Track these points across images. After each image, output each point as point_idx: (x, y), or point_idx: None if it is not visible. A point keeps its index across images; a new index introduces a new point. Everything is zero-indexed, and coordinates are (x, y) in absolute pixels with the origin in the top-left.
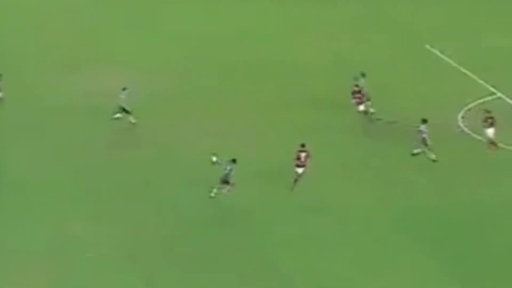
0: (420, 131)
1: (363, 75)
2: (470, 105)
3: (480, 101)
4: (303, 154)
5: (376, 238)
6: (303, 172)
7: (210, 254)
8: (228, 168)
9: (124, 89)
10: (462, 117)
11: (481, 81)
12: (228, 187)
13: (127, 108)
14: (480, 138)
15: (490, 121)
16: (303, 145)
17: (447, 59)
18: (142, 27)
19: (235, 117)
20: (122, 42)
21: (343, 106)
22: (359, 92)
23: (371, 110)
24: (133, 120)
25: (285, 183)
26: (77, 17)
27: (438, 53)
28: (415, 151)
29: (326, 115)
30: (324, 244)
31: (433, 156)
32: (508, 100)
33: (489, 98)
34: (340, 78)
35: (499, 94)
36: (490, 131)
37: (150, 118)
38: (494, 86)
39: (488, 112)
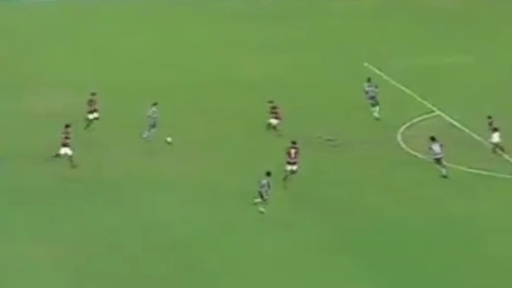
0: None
1: (369, 80)
2: (409, 123)
3: (419, 118)
4: (293, 151)
5: (319, 257)
6: (296, 169)
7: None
8: (263, 182)
9: (155, 104)
10: (402, 134)
11: (420, 99)
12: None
13: (155, 125)
14: (418, 154)
15: (493, 126)
16: (294, 142)
17: (386, 76)
18: (81, 47)
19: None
20: (58, 62)
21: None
22: (275, 108)
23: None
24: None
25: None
26: (13, 38)
27: (377, 71)
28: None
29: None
30: (270, 264)
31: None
32: (447, 118)
33: (428, 115)
34: (274, 94)
35: (438, 112)
36: (495, 136)
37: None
38: (433, 104)
39: (490, 117)
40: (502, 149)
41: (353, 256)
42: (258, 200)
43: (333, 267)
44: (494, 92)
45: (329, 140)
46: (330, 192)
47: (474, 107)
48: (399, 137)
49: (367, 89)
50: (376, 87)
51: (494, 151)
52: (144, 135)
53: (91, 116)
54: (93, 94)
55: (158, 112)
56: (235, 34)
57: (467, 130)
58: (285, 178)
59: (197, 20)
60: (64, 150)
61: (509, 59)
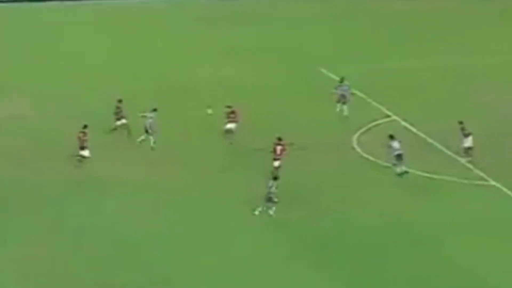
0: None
1: (342, 80)
2: (365, 128)
3: (375, 123)
4: (279, 147)
5: (271, 262)
6: (279, 165)
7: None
8: (269, 184)
9: (154, 110)
10: (357, 139)
11: (375, 104)
12: (272, 206)
13: (150, 131)
14: (374, 159)
15: (466, 131)
16: (279, 139)
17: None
18: (42, 53)
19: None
20: (24, 69)
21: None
22: (233, 112)
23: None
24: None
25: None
26: None
27: (333, 76)
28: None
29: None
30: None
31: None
32: (402, 122)
33: (384, 120)
34: (230, 99)
35: (393, 117)
36: (467, 140)
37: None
38: (388, 109)
39: (461, 123)
40: (470, 155)
41: (310, 259)
42: (268, 204)
43: (287, 273)
44: (450, 96)
45: (291, 144)
46: (286, 194)
47: (429, 111)
48: (354, 142)
49: (337, 89)
50: (349, 87)
51: (466, 155)
52: (139, 139)
53: (118, 123)
54: (119, 101)
55: (155, 117)
56: (194, 39)
57: (422, 135)
58: (272, 173)
59: (158, 25)
60: (85, 152)
61: (465, 63)
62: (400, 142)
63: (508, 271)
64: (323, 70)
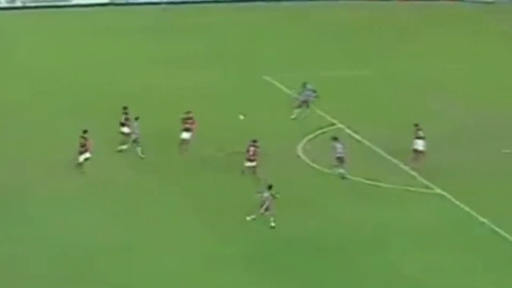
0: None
1: (304, 84)
2: (310, 136)
3: (320, 131)
4: (252, 149)
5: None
6: (255, 166)
7: None
8: (265, 195)
9: (136, 118)
10: (302, 147)
11: (320, 112)
12: (262, 211)
13: (138, 140)
14: (319, 167)
15: (419, 134)
16: (254, 141)
17: (286, 90)
18: None
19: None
20: None
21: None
22: (190, 118)
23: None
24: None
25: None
26: None
27: (278, 84)
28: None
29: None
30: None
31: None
32: (347, 130)
33: (329, 128)
34: (174, 108)
35: (338, 125)
36: (420, 143)
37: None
38: (333, 117)
39: (416, 125)
40: (419, 159)
41: (257, 266)
42: (263, 212)
43: (237, 280)
44: (396, 104)
45: (231, 153)
46: (233, 202)
47: (374, 119)
48: (299, 150)
49: (300, 95)
50: (314, 91)
51: (415, 160)
52: (124, 147)
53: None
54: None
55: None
56: (137, 48)
57: (367, 142)
58: (242, 172)
59: (100, 35)
60: (83, 156)
61: (412, 71)
62: (343, 145)
63: (452, 280)
64: (267, 78)
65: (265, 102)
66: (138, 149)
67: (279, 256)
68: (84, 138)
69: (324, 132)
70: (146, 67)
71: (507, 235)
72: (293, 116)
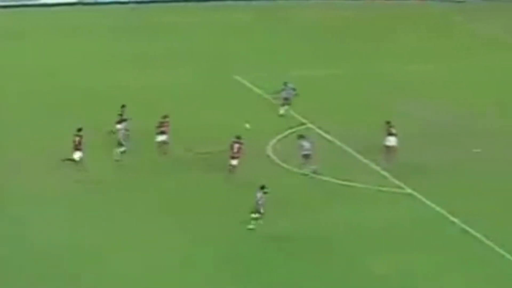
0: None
1: (286, 83)
2: (280, 135)
3: (290, 131)
4: (236, 145)
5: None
6: (237, 164)
7: None
8: (258, 195)
9: (125, 120)
10: (272, 147)
11: (291, 111)
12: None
13: (123, 142)
14: (289, 167)
15: (391, 131)
16: (238, 137)
17: (256, 89)
18: None
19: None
20: None
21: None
22: (165, 122)
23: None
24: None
25: None
26: None
27: (248, 84)
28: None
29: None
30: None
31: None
32: (317, 130)
33: (299, 128)
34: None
35: (308, 124)
36: (392, 139)
37: None
38: (303, 116)
39: (388, 123)
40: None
41: (228, 269)
42: (255, 215)
43: (208, 284)
44: (368, 104)
45: (201, 153)
46: (202, 204)
47: (345, 119)
48: (269, 150)
49: (281, 93)
50: (294, 89)
51: (387, 157)
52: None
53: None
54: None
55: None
56: (107, 47)
57: (338, 142)
58: (229, 171)
59: (68, 35)
60: (78, 154)
61: (385, 71)
62: (311, 143)
63: (423, 279)
64: (238, 78)
65: (235, 102)
66: (118, 151)
67: (252, 257)
68: (79, 136)
69: (294, 132)
70: (115, 67)
71: (478, 235)
72: (281, 112)
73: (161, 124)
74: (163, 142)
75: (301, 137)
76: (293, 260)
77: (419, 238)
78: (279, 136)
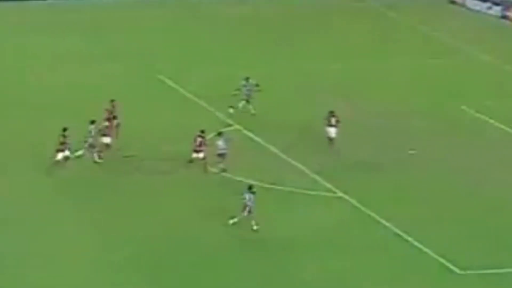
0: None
1: (247, 79)
2: (208, 137)
3: (215, 133)
4: (199, 139)
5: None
6: (204, 157)
7: None
8: (247, 197)
9: (92, 122)
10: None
11: (217, 113)
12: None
13: (95, 144)
14: (215, 170)
15: (332, 122)
16: (202, 131)
17: (181, 90)
18: None
19: None
20: None
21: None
22: (108, 125)
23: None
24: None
25: None
26: None
27: (172, 84)
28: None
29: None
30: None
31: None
32: (244, 131)
33: (226, 129)
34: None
35: (236, 126)
36: (332, 130)
37: None
38: (230, 117)
39: (332, 112)
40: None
41: (144, 272)
42: (246, 215)
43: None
44: (294, 104)
45: (126, 156)
46: (128, 205)
47: (272, 120)
48: (195, 153)
49: (242, 89)
50: (257, 85)
51: (330, 144)
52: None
53: (195, 155)
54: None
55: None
56: (27, 45)
57: (266, 144)
58: (190, 161)
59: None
60: (62, 155)
61: (308, 70)
62: (226, 142)
63: (353, 285)
64: (161, 77)
65: (160, 103)
66: (95, 154)
67: (166, 259)
68: (64, 136)
69: (220, 134)
70: (32, 65)
71: (410, 239)
72: (252, 112)
73: (105, 126)
74: (106, 145)
75: (219, 134)
76: (214, 267)
77: (350, 243)
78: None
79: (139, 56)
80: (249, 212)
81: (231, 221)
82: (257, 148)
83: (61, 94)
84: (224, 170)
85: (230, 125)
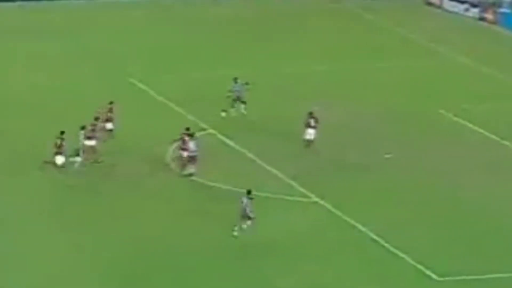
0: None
1: (236, 79)
2: (179, 142)
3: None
4: (187, 138)
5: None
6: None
7: None
8: (244, 201)
9: (83, 128)
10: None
11: (191, 116)
12: (248, 222)
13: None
14: (187, 173)
15: (311, 124)
16: (187, 129)
17: (153, 93)
18: None
19: None
20: None
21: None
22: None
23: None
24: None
25: None
26: None
27: (143, 87)
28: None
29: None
30: None
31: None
32: (219, 135)
33: (201, 133)
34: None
35: (210, 130)
36: (311, 132)
37: None
38: (204, 121)
39: (311, 113)
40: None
41: (111, 277)
42: (243, 220)
43: None
44: (271, 108)
45: (96, 162)
46: (91, 212)
47: (247, 125)
48: (168, 158)
49: (234, 88)
50: (246, 83)
51: (307, 146)
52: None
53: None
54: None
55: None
56: (7, 48)
57: (241, 149)
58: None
59: None
60: (60, 159)
61: (282, 72)
62: (197, 144)
63: None
64: (133, 81)
65: (131, 107)
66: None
67: (143, 262)
68: (61, 139)
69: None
70: (9, 67)
71: (387, 245)
72: (244, 112)
73: (92, 127)
74: (91, 147)
75: (190, 136)
76: (191, 272)
77: (325, 249)
78: (178, 143)
79: (111, 59)
80: (242, 216)
81: (235, 233)
82: (232, 152)
83: (30, 96)
84: (191, 175)
85: (204, 129)
